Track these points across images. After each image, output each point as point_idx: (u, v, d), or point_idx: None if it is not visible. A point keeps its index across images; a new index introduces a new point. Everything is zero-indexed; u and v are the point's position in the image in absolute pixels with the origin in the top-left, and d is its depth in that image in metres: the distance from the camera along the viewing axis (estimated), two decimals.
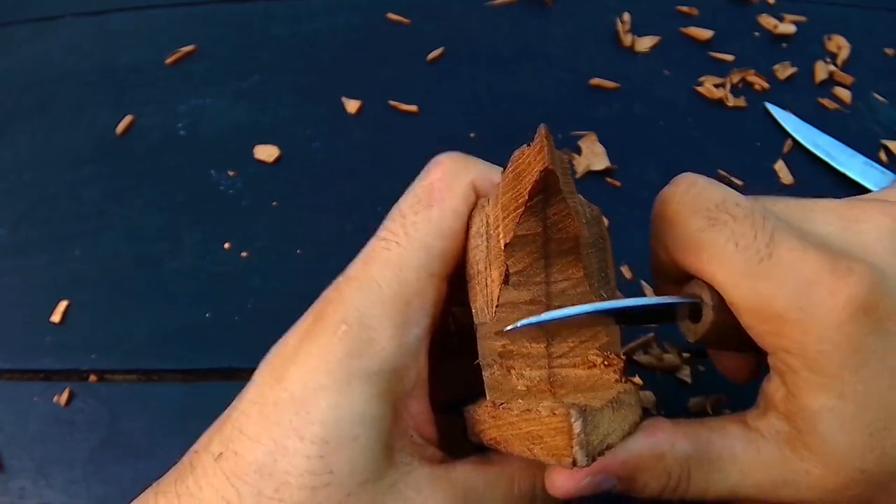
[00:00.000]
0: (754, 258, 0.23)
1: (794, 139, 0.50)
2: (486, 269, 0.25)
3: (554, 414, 0.21)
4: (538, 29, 0.56)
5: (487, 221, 0.25)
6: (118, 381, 0.40)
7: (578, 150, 0.48)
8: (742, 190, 0.47)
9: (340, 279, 0.25)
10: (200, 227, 0.46)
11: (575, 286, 0.24)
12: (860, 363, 0.22)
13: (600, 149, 0.48)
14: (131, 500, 0.24)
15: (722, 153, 0.49)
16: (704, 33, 0.55)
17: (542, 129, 0.22)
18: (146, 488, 0.24)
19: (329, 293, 0.25)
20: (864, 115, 0.51)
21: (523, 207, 0.23)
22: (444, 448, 0.26)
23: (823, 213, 0.25)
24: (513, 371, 0.25)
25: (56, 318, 0.42)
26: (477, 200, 0.26)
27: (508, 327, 0.24)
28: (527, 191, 0.22)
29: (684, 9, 0.57)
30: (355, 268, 0.25)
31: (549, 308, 0.24)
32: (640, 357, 0.39)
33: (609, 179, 0.47)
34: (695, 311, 0.26)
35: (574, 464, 0.21)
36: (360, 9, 0.58)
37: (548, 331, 0.25)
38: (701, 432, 0.25)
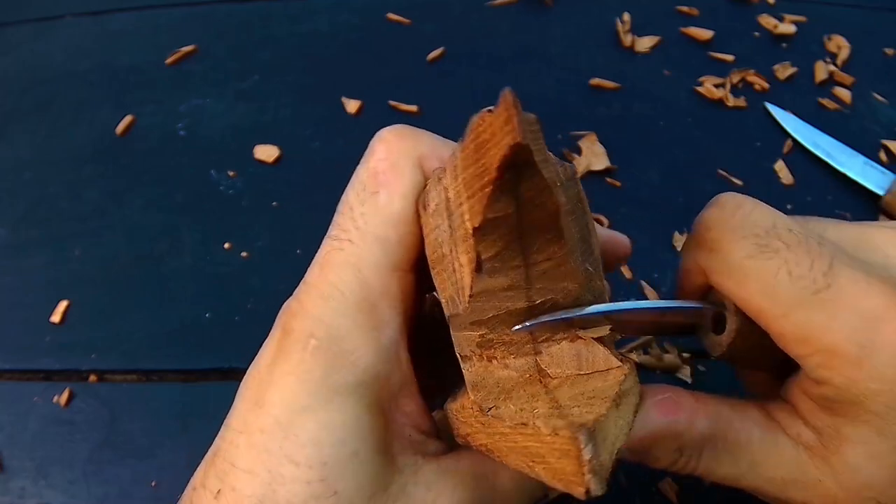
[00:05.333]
0: (810, 288, 0.21)
1: (794, 139, 0.50)
2: (451, 252, 0.21)
3: (557, 434, 0.18)
4: (538, 29, 0.56)
5: (447, 196, 0.21)
6: (118, 381, 0.40)
7: (578, 150, 0.48)
8: (741, 190, 0.48)
9: (301, 287, 0.24)
10: (200, 227, 0.46)
11: (558, 265, 0.21)
12: None
13: (600, 149, 0.48)
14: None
15: (722, 153, 0.49)
16: (704, 33, 0.55)
17: (506, 94, 0.18)
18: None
19: (291, 304, 0.23)
20: (864, 115, 0.51)
21: (491, 186, 0.19)
22: (444, 436, 0.25)
23: (884, 239, 0.23)
24: (494, 361, 0.22)
25: (56, 318, 0.42)
26: (427, 177, 0.23)
27: (517, 327, 0.21)
28: (494, 167, 0.18)
29: (684, 9, 0.57)
30: (313, 273, 0.23)
31: (529, 293, 0.21)
32: (640, 357, 0.39)
33: (609, 179, 0.47)
34: (719, 323, 0.24)
35: (587, 493, 0.18)
36: (360, 9, 0.58)
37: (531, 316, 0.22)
38: (722, 411, 0.25)
